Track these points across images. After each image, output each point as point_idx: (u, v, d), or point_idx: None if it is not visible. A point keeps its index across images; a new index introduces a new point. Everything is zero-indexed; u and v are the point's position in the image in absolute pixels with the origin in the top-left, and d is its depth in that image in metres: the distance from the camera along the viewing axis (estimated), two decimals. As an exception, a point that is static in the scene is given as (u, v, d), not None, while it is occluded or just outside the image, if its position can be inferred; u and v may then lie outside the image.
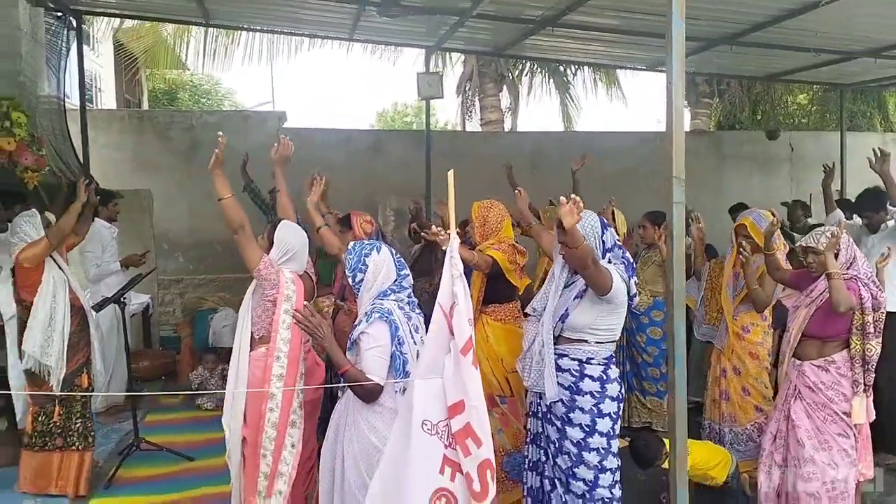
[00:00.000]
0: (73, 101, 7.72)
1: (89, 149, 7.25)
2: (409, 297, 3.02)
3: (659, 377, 5.39)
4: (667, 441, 3.81)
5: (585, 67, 12.69)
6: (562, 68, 13.27)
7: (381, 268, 2.96)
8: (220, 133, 3.26)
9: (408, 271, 3.07)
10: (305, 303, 2.93)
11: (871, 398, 3.63)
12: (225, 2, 6.86)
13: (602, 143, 9.82)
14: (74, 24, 7.20)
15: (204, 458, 4.91)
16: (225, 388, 6.06)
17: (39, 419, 4.33)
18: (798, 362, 3.69)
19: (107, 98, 11.55)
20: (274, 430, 3.15)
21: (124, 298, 5.06)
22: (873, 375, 3.59)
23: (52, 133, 6.43)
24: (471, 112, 14.15)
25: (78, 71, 7.20)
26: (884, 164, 4.74)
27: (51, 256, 4.32)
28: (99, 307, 4.72)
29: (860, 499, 4.07)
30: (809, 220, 7.61)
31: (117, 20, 10.52)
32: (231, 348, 6.43)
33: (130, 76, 13.90)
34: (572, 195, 2.90)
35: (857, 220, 5.55)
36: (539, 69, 13.61)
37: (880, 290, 3.60)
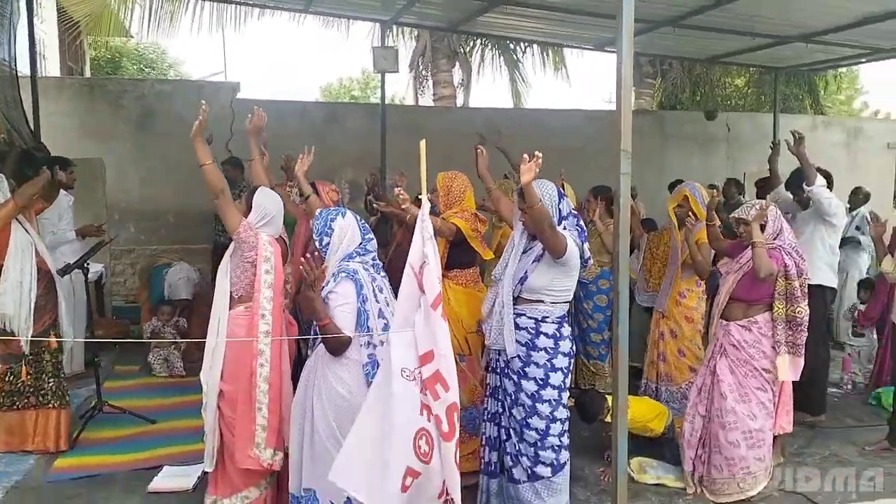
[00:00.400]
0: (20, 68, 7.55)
1: (39, 117, 7.17)
2: (373, 259, 3.25)
3: (600, 342, 5.75)
4: (609, 398, 4.16)
5: (535, 46, 12.94)
6: (511, 46, 13.49)
7: (346, 231, 3.18)
8: (203, 102, 3.37)
9: (372, 236, 3.28)
10: (308, 255, 3.10)
11: (801, 357, 3.95)
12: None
13: (551, 121, 10.10)
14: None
15: (165, 421, 5.09)
16: (178, 341, 6.25)
17: (7, 379, 4.44)
18: (725, 322, 4.05)
19: (51, 65, 11.22)
20: (266, 384, 3.33)
21: (87, 265, 5.13)
22: (805, 334, 3.92)
23: (3, 100, 6.34)
24: (424, 87, 14.30)
25: (28, 38, 7.08)
26: (800, 147, 5.10)
27: (17, 220, 4.38)
28: (63, 272, 4.77)
29: (780, 450, 4.53)
30: (742, 197, 8.08)
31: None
32: (187, 300, 6.66)
33: (72, 41, 13.51)
34: (537, 153, 3.13)
35: None
36: (489, 46, 13.81)
37: (802, 259, 3.98)
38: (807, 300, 3.93)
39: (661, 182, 8.54)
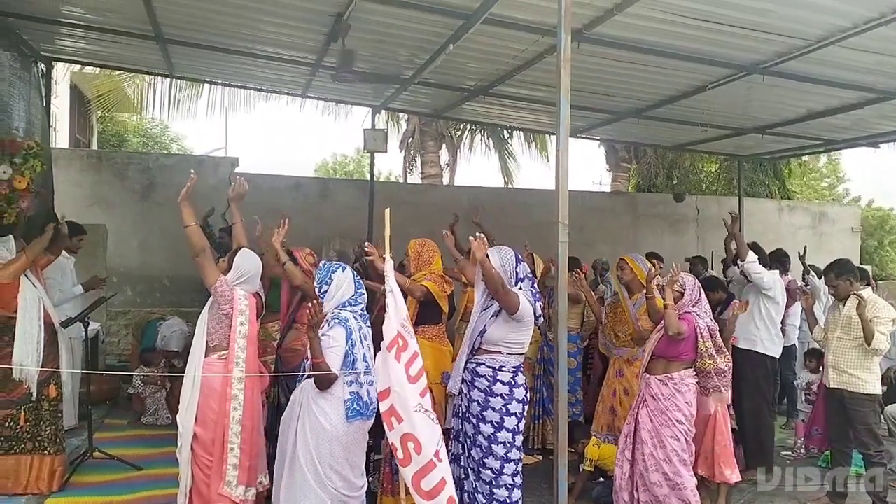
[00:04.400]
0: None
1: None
2: (361, 310, 3.69)
3: (572, 402, 6.09)
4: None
5: (520, 130, 13.73)
6: (499, 129, 14.31)
7: (343, 283, 3.63)
8: (193, 171, 3.89)
9: (364, 290, 3.73)
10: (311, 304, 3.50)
11: (725, 401, 4.55)
12: (189, 56, 7.50)
13: (532, 200, 10.72)
14: (44, 69, 7.71)
15: (151, 468, 5.38)
16: (165, 382, 6.60)
17: (7, 424, 4.72)
18: (647, 376, 4.52)
19: (60, 137, 11.88)
20: (239, 426, 3.70)
21: (87, 319, 5.53)
22: (713, 381, 4.47)
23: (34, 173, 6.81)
24: (412, 165, 15.08)
25: (45, 114, 7.67)
26: (734, 226, 5.66)
27: (25, 276, 4.78)
28: (65, 325, 5.15)
29: (725, 501, 4.89)
30: (706, 273, 8.58)
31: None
32: (177, 351, 6.98)
33: (82, 115, 14.26)
34: (479, 235, 3.70)
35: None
36: (478, 128, 14.65)
37: (713, 322, 4.54)
38: (722, 354, 4.48)
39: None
